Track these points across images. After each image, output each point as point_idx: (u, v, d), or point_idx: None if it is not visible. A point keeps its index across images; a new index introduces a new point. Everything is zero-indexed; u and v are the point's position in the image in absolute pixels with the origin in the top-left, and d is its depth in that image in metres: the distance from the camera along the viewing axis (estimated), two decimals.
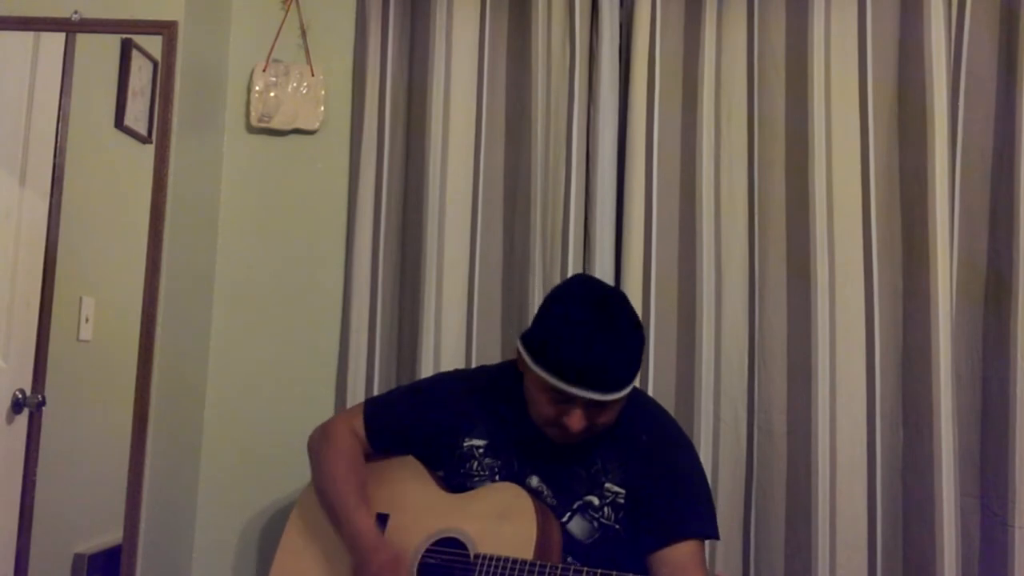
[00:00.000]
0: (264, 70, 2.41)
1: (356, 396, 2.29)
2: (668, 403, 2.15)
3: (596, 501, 1.72)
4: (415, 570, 1.69)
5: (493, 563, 1.63)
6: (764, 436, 2.17)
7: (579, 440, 1.68)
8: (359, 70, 2.40)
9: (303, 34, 2.42)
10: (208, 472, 2.38)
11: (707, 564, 1.87)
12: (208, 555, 2.36)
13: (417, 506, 1.77)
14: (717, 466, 2.17)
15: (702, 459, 1.88)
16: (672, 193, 2.26)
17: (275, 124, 2.40)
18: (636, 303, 2.18)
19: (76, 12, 2.18)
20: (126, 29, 2.19)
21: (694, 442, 2.08)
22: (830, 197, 2.16)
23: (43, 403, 2.08)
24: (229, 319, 2.42)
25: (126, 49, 2.19)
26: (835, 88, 2.18)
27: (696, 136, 2.25)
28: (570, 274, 2.20)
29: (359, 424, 1.87)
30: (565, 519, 1.72)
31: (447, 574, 1.68)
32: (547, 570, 1.59)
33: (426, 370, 2.25)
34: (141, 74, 2.19)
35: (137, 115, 2.19)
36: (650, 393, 2.15)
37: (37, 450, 2.07)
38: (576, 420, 1.63)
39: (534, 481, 1.75)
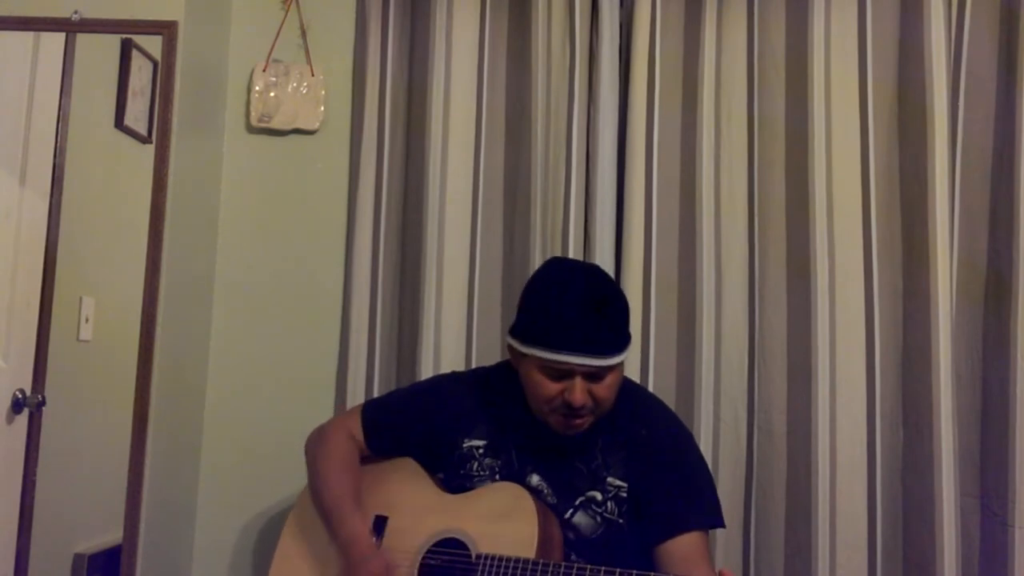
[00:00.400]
0: (264, 70, 2.41)
1: (356, 396, 2.29)
2: (668, 403, 2.14)
3: (599, 496, 1.72)
4: (416, 571, 1.69)
5: (495, 563, 1.63)
6: (764, 436, 2.17)
7: (583, 426, 1.69)
8: (359, 70, 2.40)
9: (303, 34, 2.42)
10: (208, 472, 2.38)
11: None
12: (208, 555, 2.36)
13: (417, 507, 1.77)
14: (717, 466, 2.17)
15: None
16: (672, 193, 2.26)
17: (275, 124, 2.40)
18: (636, 303, 2.18)
19: (76, 12, 2.17)
20: (126, 29, 2.19)
21: None
22: (830, 197, 2.16)
23: (43, 403, 2.08)
24: (229, 319, 2.42)
25: (126, 49, 2.19)
26: (835, 88, 2.18)
27: (696, 136, 2.25)
28: None
29: (356, 427, 1.87)
30: (568, 515, 1.72)
31: (449, 575, 1.68)
32: (550, 569, 1.59)
33: (426, 370, 2.25)
34: (141, 74, 2.19)
35: (137, 115, 2.19)
36: None
37: (37, 450, 2.07)
38: (579, 393, 1.64)
39: (534, 480, 1.75)
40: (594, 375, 1.65)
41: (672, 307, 2.24)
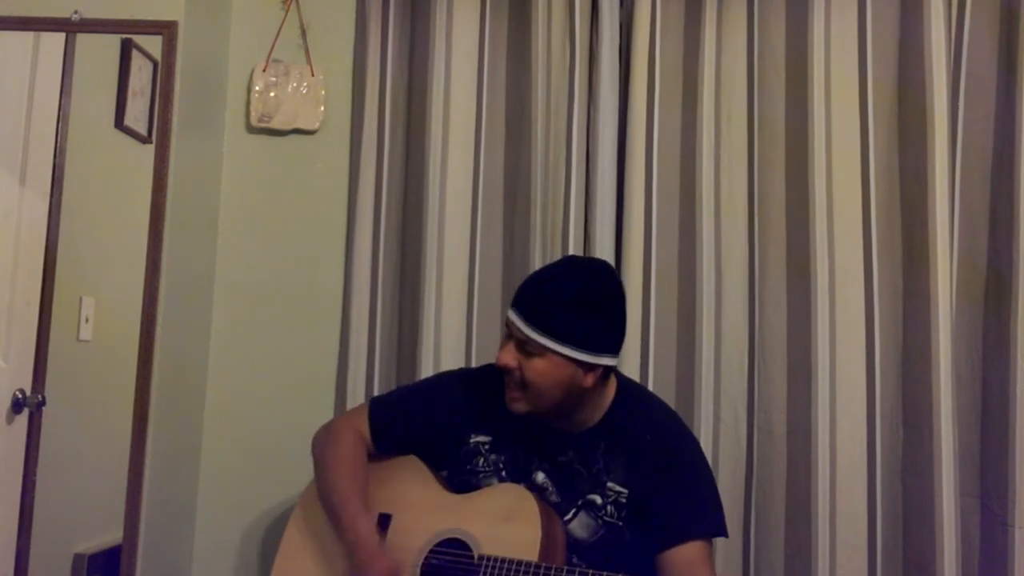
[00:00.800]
0: (264, 70, 2.40)
1: (356, 396, 2.29)
2: (667, 403, 2.15)
3: (598, 500, 1.72)
4: (419, 571, 1.69)
5: (497, 565, 1.63)
6: (764, 436, 2.17)
7: (518, 403, 1.71)
8: (359, 70, 2.40)
9: (303, 34, 2.42)
10: (208, 472, 2.38)
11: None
12: (208, 555, 2.36)
13: (420, 506, 1.77)
14: (717, 466, 2.17)
15: None
16: (672, 193, 2.26)
17: (275, 124, 2.40)
18: (636, 303, 2.18)
19: (76, 12, 2.17)
20: (126, 29, 2.18)
21: None
22: (830, 197, 2.17)
23: (43, 403, 2.08)
24: (229, 319, 2.42)
25: (126, 49, 2.18)
26: (835, 88, 2.19)
27: (696, 136, 2.26)
28: None
29: (364, 425, 1.87)
30: (568, 516, 1.72)
31: (451, 575, 1.68)
32: (552, 572, 1.59)
33: (426, 370, 2.25)
34: (141, 74, 2.19)
35: (137, 115, 2.19)
36: None
37: (37, 450, 2.07)
38: (503, 352, 1.69)
39: (539, 477, 1.75)
40: (523, 345, 1.66)
41: (672, 307, 2.24)
